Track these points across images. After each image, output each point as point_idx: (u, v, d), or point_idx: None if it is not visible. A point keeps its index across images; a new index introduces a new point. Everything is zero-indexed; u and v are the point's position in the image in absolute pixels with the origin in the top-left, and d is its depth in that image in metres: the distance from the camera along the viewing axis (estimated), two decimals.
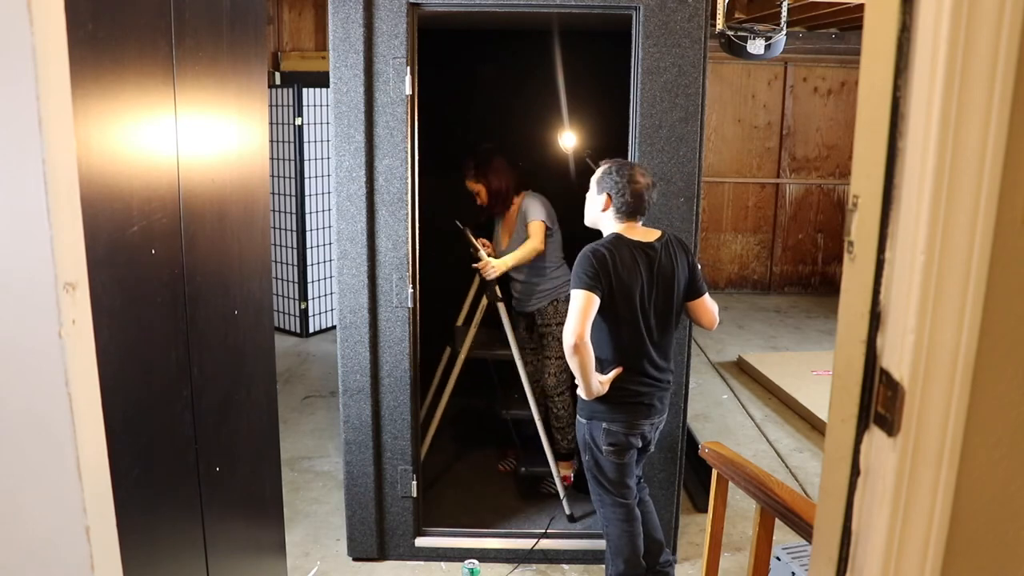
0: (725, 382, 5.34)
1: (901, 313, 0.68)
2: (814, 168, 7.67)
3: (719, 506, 2.12)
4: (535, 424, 3.26)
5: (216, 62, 1.69)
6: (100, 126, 1.23)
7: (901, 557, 0.71)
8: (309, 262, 6.00)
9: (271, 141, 5.87)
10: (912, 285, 0.67)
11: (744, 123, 7.55)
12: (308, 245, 5.96)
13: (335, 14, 2.71)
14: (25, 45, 0.74)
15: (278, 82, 6.34)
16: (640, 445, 2.55)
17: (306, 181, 5.88)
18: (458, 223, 3.27)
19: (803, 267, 7.87)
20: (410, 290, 2.88)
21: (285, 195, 5.96)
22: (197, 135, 1.60)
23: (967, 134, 0.63)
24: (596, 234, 2.56)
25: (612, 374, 2.45)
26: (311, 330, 6.11)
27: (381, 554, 3.10)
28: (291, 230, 5.96)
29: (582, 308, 2.34)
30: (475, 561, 2.67)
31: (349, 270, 2.87)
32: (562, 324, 2.92)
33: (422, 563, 3.10)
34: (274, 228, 6.01)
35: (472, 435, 4.10)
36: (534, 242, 3.20)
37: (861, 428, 0.74)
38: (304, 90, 5.77)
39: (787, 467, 4.06)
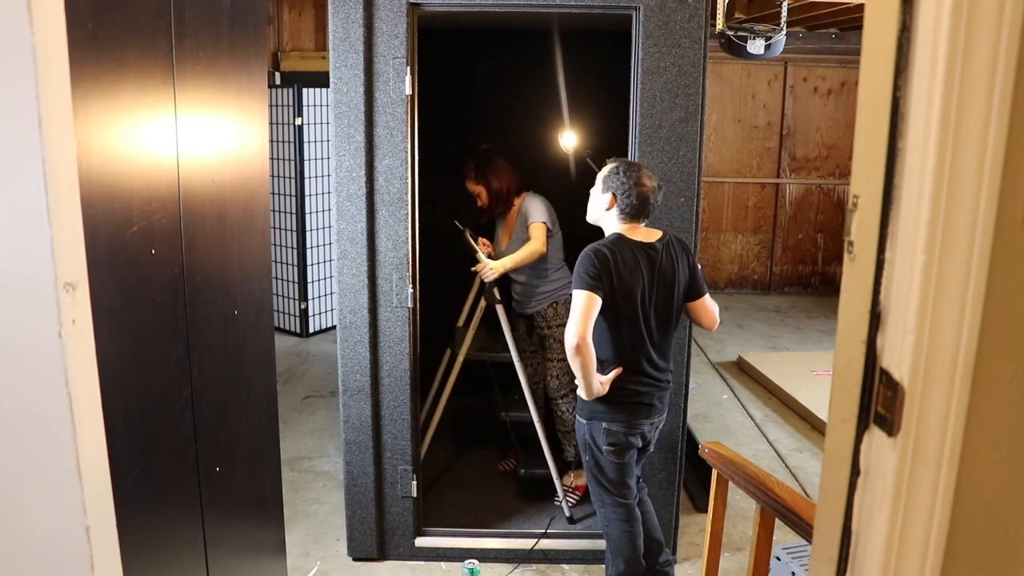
0: (725, 382, 5.34)
1: (901, 313, 0.68)
2: (814, 168, 7.67)
3: (719, 506, 2.12)
4: (534, 426, 3.26)
5: (216, 62, 1.69)
6: (100, 126, 1.23)
7: (901, 557, 0.71)
8: (309, 262, 6.00)
9: (271, 141, 5.87)
10: (912, 285, 0.67)
11: (744, 123, 7.55)
12: (308, 245, 5.96)
13: (335, 14, 2.71)
14: (25, 45, 0.74)
15: (278, 82, 6.34)
16: (640, 445, 2.55)
17: (306, 181, 5.88)
18: (457, 224, 3.27)
19: (803, 267, 7.87)
20: (410, 290, 2.88)
21: (285, 195, 5.96)
22: (197, 135, 1.60)
23: (967, 134, 0.63)
24: (597, 235, 2.56)
25: (612, 374, 2.45)
26: (311, 330, 6.11)
27: (381, 554, 3.10)
28: (291, 230, 5.96)
29: (584, 308, 2.34)
30: (475, 561, 2.67)
31: (349, 270, 2.87)
32: (562, 326, 2.91)
33: (422, 563, 3.10)
34: (274, 228, 6.01)
35: (472, 435, 4.10)
36: (535, 244, 3.18)
37: (861, 428, 0.74)
38: (304, 90, 5.77)
39: (787, 467, 4.06)
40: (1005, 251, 0.64)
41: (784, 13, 3.62)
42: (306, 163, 5.86)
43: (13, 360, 0.81)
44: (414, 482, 3.03)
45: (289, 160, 5.86)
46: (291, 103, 5.76)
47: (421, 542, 3.11)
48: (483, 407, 4.02)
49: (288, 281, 6.08)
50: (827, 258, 7.84)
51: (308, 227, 5.95)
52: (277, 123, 5.85)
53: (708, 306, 2.57)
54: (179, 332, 1.54)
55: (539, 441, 3.26)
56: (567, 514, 3.24)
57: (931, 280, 0.66)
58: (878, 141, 0.69)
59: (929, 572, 0.71)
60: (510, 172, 3.33)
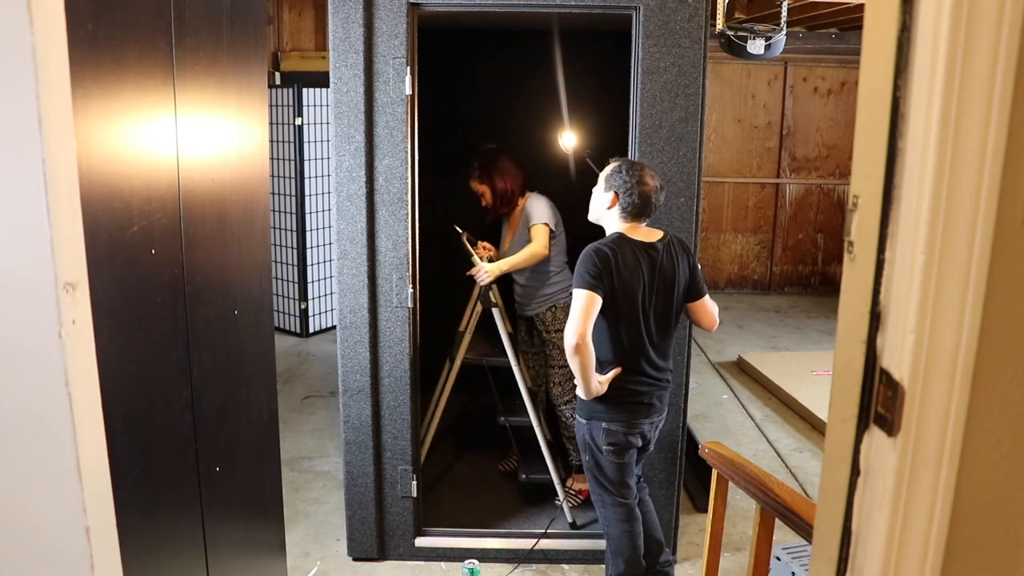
0: (725, 382, 5.34)
1: (901, 313, 0.68)
2: (814, 168, 7.67)
3: (719, 506, 2.12)
4: (534, 431, 3.24)
5: (216, 62, 1.69)
6: (100, 126, 1.23)
7: (901, 557, 0.71)
8: (309, 262, 6.00)
9: (271, 141, 5.87)
10: (912, 285, 0.67)
11: (744, 123, 7.55)
12: (308, 245, 5.96)
13: (335, 14, 2.71)
14: (25, 45, 0.74)
15: (278, 82, 6.34)
16: (640, 444, 2.55)
17: (306, 181, 5.88)
18: (456, 228, 3.25)
19: (803, 267, 7.87)
20: (410, 290, 2.88)
21: (285, 195, 5.96)
22: (197, 135, 1.60)
23: (967, 134, 0.63)
24: (598, 235, 2.56)
25: (611, 374, 2.45)
26: (311, 330, 6.11)
27: (381, 554, 3.10)
28: (291, 230, 5.96)
29: (584, 308, 2.34)
30: (475, 561, 2.67)
31: (349, 270, 2.87)
32: (561, 331, 2.91)
33: (422, 563, 3.10)
34: (274, 228, 6.01)
35: (472, 435, 4.10)
36: (536, 246, 3.15)
37: (861, 428, 0.74)
38: (304, 90, 5.77)
39: (787, 467, 4.06)
40: (1005, 251, 0.64)
41: (784, 13, 3.62)
42: (306, 163, 5.86)
43: (13, 360, 0.81)
44: (414, 482, 3.03)
45: (289, 160, 5.86)
46: (291, 103, 5.76)
47: (421, 542, 3.11)
48: (484, 408, 4.02)
49: (288, 281, 6.08)
50: (827, 258, 7.84)
51: (308, 227, 5.95)
52: (277, 123, 5.85)
53: (708, 307, 2.57)
54: (179, 332, 1.54)
55: (539, 445, 3.24)
56: (569, 519, 3.23)
57: (931, 280, 0.66)
58: (878, 141, 0.69)
59: (929, 572, 0.71)
60: (515, 172, 3.30)
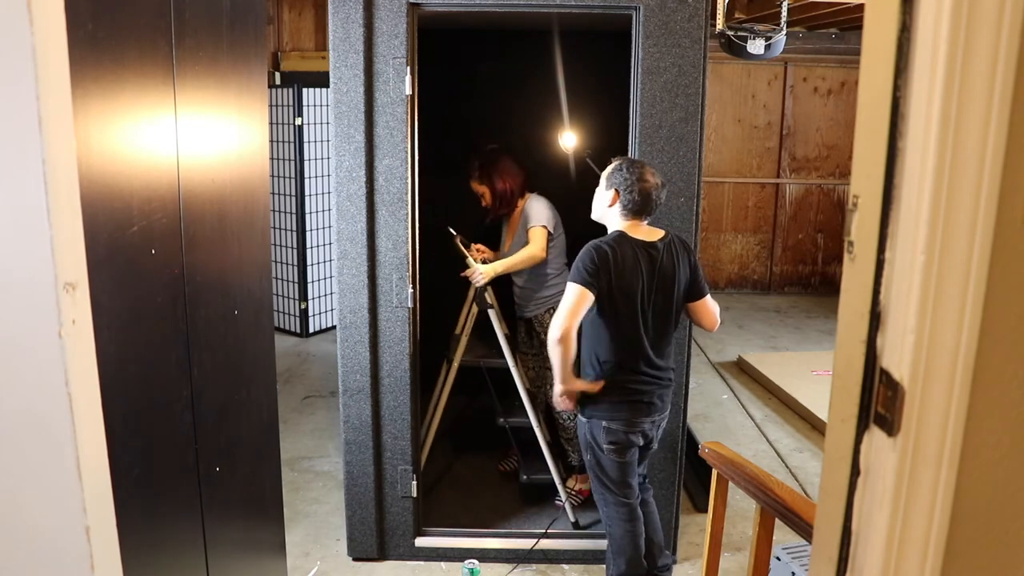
0: (725, 382, 5.34)
1: (901, 313, 0.68)
2: (814, 168, 7.67)
3: (719, 506, 2.12)
4: (534, 432, 3.24)
5: (216, 62, 1.69)
6: (100, 126, 1.23)
7: (901, 557, 0.71)
8: (309, 262, 6.00)
9: (271, 141, 5.87)
10: (912, 285, 0.67)
11: (744, 123, 7.55)
12: (308, 245, 5.96)
13: (335, 14, 2.71)
14: (25, 45, 0.74)
15: (278, 82, 6.34)
16: (641, 443, 2.55)
17: (306, 181, 5.88)
18: (450, 229, 3.25)
19: (803, 267, 7.87)
20: (410, 290, 2.88)
21: (285, 195, 5.96)
22: (197, 135, 1.60)
23: (967, 134, 0.63)
24: (599, 235, 2.56)
25: (590, 385, 2.46)
26: (311, 330, 6.11)
27: (381, 554, 3.10)
28: (291, 230, 5.96)
29: (574, 303, 2.36)
30: (475, 561, 2.67)
31: (349, 270, 2.87)
32: None
33: (422, 563, 3.10)
34: (274, 228, 6.01)
35: (472, 435, 4.10)
36: (532, 248, 3.14)
37: (861, 428, 0.74)
38: (304, 90, 5.77)
39: (787, 467, 4.06)
40: (1005, 251, 0.64)
41: (784, 13, 3.62)
42: (306, 163, 5.86)
43: (13, 360, 0.81)
44: (414, 482, 3.03)
45: (289, 160, 5.86)
46: (291, 103, 5.76)
47: (421, 542, 3.11)
48: (483, 409, 4.02)
49: (288, 281, 6.08)
50: (827, 258, 7.84)
51: (308, 227, 5.95)
52: (277, 123, 5.85)
53: (709, 307, 2.57)
54: (179, 332, 1.54)
55: (539, 446, 3.24)
56: (572, 519, 3.22)
57: (931, 280, 0.66)
58: (878, 141, 0.69)
59: (929, 572, 0.71)
60: (515, 173, 3.29)
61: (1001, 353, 0.66)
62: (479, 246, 3.39)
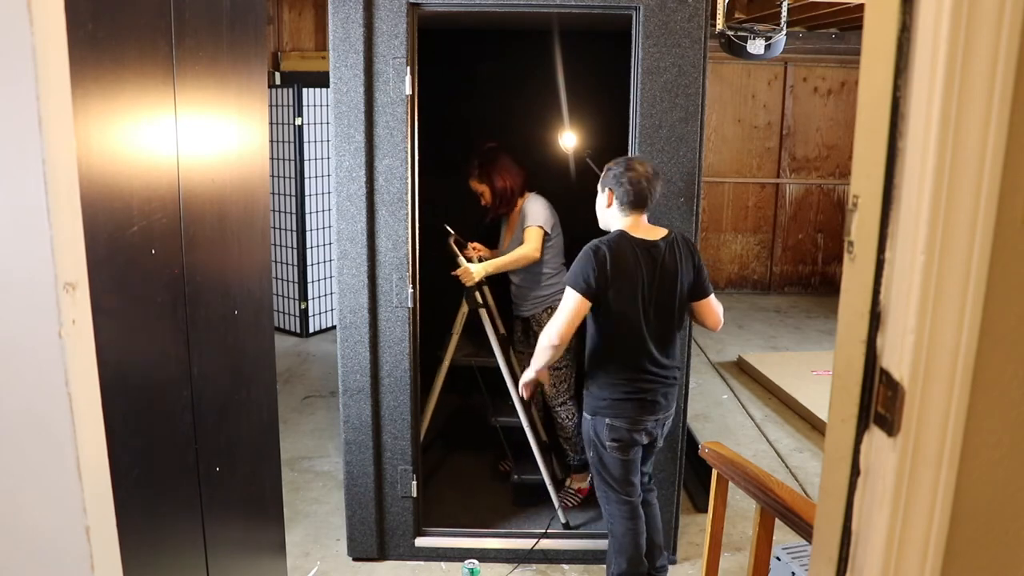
0: (725, 382, 5.34)
1: (901, 313, 0.68)
2: (814, 168, 7.67)
3: (719, 506, 2.12)
4: (525, 432, 3.23)
5: (216, 62, 1.69)
6: (100, 126, 1.23)
7: (901, 557, 0.71)
8: (309, 262, 6.00)
9: (271, 141, 5.87)
10: (912, 285, 0.67)
11: (744, 123, 7.55)
12: (308, 245, 5.96)
13: (335, 14, 2.71)
14: (25, 45, 0.74)
15: (278, 82, 6.34)
16: (645, 442, 2.56)
17: (306, 181, 5.88)
18: (447, 227, 3.24)
19: (803, 267, 7.87)
20: (410, 290, 2.88)
21: (285, 195, 5.96)
22: (197, 135, 1.60)
23: (967, 134, 0.63)
24: (596, 236, 2.56)
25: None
26: (311, 330, 6.11)
27: (381, 554, 3.10)
28: (291, 230, 5.96)
29: (572, 311, 2.40)
30: (475, 561, 2.67)
31: (349, 270, 2.87)
32: None
33: (422, 563, 3.10)
34: (274, 228, 6.01)
35: (472, 436, 4.09)
36: (526, 249, 3.14)
37: (861, 428, 0.74)
38: (304, 90, 5.77)
39: (787, 467, 4.06)
40: (1005, 251, 0.64)
41: (784, 13, 3.62)
42: (306, 163, 5.86)
43: (13, 360, 0.81)
44: (414, 482, 3.03)
45: (289, 160, 5.86)
46: (291, 103, 5.76)
47: (421, 542, 3.11)
48: (482, 408, 4.01)
49: (288, 281, 6.08)
50: (827, 258, 7.84)
51: (308, 227, 5.95)
52: (277, 123, 5.85)
53: (713, 306, 2.57)
54: (179, 332, 1.54)
55: (531, 445, 3.22)
56: (563, 520, 3.22)
57: (931, 280, 0.66)
58: (878, 141, 0.69)
59: (929, 572, 0.71)
60: (515, 171, 3.29)
61: (1001, 353, 0.66)
62: (475, 244, 3.39)
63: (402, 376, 2.94)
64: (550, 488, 3.22)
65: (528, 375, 2.58)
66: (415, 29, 2.77)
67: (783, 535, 2.41)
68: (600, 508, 2.70)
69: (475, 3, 2.82)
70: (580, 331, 2.51)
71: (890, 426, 0.70)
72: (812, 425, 4.56)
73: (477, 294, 3.15)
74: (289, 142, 5.83)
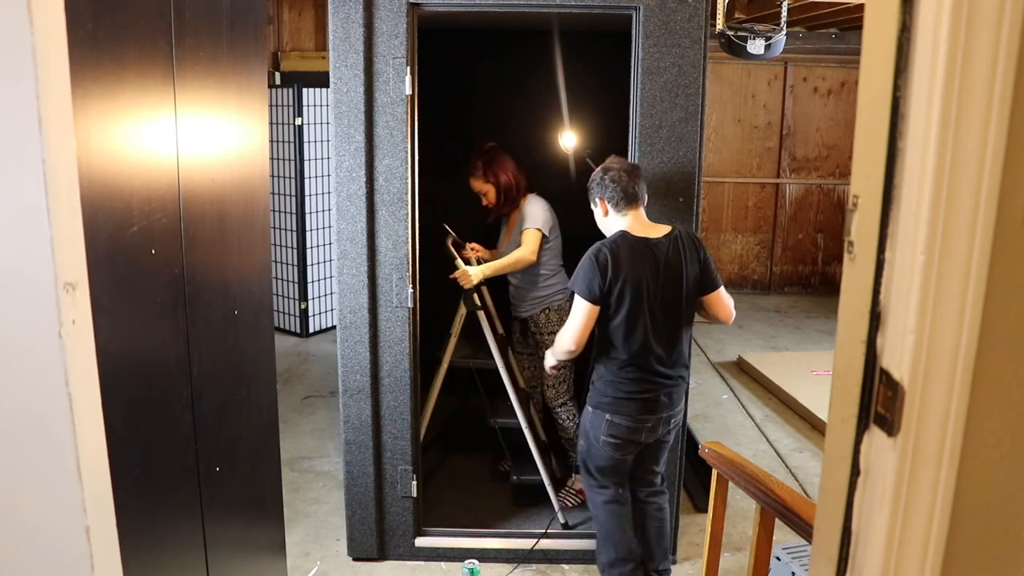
0: (725, 382, 5.34)
1: (901, 313, 0.68)
2: (814, 168, 7.67)
3: (719, 506, 2.12)
4: (524, 433, 3.23)
5: (216, 62, 1.69)
6: (100, 126, 1.23)
7: (901, 557, 0.71)
8: (309, 262, 6.00)
9: (271, 141, 5.87)
10: (912, 285, 0.67)
11: (744, 123, 7.55)
12: (308, 245, 5.96)
13: (335, 14, 2.71)
14: (25, 45, 0.74)
15: (278, 82, 6.34)
16: (649, 440, 2.56)
17: (306, 181, 5.88)
18: (446, 227, 3.24)
19: (803, 267, 7.87)
20: (410, 290, 2.88)
21: (285, 195, 5.96)
22: (197, 135, 1.60)
23: (967, 134, 0.63)
24: (595, 237, 2.56)
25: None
26: (311, 330, 6.11)
27: (381, 554, 3.10)
28: (291, 230, 5.96)
29: (584, 317, 2.42)
30: (475, 561, 2.67)
31: (349, 270, 2.87)
32: (554, 334, 2.91)
33: (422, 563, 3.10)
34: (274, 228, 6.01)
35: (472, 436, 4.09)
36: (523, 251, 3.13)
37: (861, 428, 0.74)
38: (304, 90, 5.77)
39: (787, 467, 4.06)
40: (1005, 251, 0.64)
41: (784, 13, 3.62)
42: (306, 163, 5.86)
43: (13, 360, 0.81)
44: (414, 482, 3.03)
45: (289, 160, 5.86)
46: (291, 103, 5.76)
47: (421, 542, 3.11)
48: (481, 409, 4.01)
49: (288, 281, 6.08)
50: (827, 258, 7.84)
51: (308, 227, 5.94)
52: (277, 123, 5.85)
53: (723, 299, 2.56)
54: (179, 332, 1.54)
55: (530, 446, 3.22)
56: (561, 520, 3.22)
57: (931, 280, 0.66)
58: (878, 141, 0.69)
59: (929, 572, 0.71)
60: (518, 170, 3.30)
61: (1001, 353, 0.66)
62: (473, 245, 3.38)
63: (402, 376, 2.94)
64: (549, 488, 3.22)
65: (551, 360, 2.68)
66: (415, 29, 2.77)
67: (783, 535, 2.41)
68: None
69: (475, 3, 2.82)
70: None
71: (890, 426, 0.70)
72: (812, 425, 4.56)
73: (475, 296, 3.15)
74: (289, 142, 5.83)
